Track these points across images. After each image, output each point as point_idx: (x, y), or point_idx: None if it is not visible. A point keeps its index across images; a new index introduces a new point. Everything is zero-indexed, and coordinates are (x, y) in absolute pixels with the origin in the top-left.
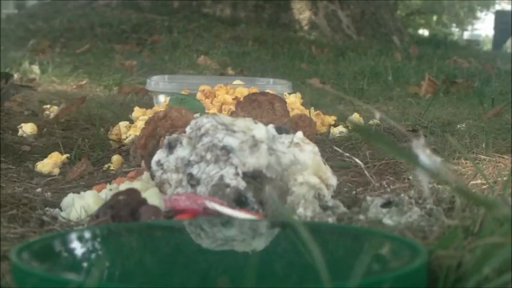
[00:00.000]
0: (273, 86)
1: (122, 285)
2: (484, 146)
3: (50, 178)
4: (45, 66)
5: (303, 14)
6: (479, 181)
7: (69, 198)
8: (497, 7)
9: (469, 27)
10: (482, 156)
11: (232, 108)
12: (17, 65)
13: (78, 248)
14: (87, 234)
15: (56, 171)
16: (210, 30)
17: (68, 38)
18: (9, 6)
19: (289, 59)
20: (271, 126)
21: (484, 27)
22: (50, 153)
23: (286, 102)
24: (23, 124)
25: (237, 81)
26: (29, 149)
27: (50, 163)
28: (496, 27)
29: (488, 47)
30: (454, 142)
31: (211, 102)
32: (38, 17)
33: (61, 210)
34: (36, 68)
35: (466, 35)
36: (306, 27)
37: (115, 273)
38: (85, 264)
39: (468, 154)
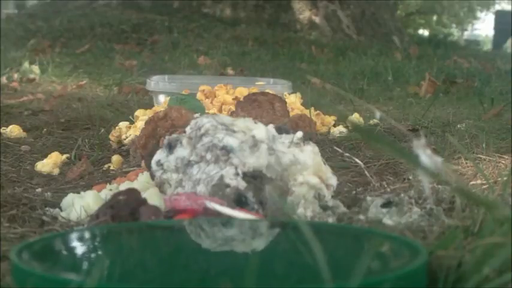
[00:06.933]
0: (273, 86)
1: (122, 285)
2: (484, 146)
3: (50, 178)
4: (45, 66)
5: (303, 14)
6: (479, 181)
7: (69, 198)
8: (497, 7)
9: (469, 27)
10: (482, 156)
11: (232, 108)
12: (17, 64)
13: (78, 248)
14: (87, 234)
15: (56, 171)
16: (210, 30)
17: (68, 38)
18: (9, 6)
19: (289, 59)
20: (271, 126)
21: (484, 27)
22: (50, 153)
23: (286, 102)
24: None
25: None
26: (29, 149)
27: (50, 163)
28: (496, 27)
29: (488, 47)
30: (454, 142)
31: (211, 102)
32: (38, 17)
33: (61, 210)
34: (36, 68)
35: (466, 35)
36: (306, 27)
37: (115, 273)
38: (85, 264)
39: (468, 154)
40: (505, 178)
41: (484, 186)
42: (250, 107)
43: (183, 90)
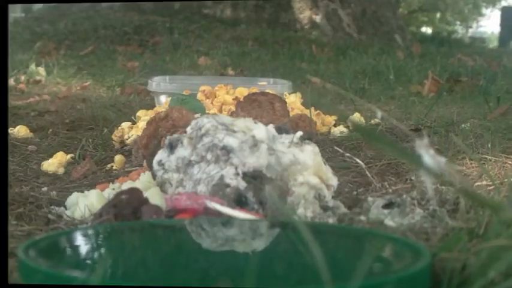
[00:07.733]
0: (273, 86)
1: (124, 283)
2: (489, 146)
3: (55, 177)
4: (51, 68)
5: (303, 13)
6: (484, 182)
7: (74, 197)
8: (504, 3)
9: (474, 25)
10: (487, 157)
11: (233, 108)
12: (24, 67)
13: (82, 245)
14: (90, 233)
15: (61, 170)
16: (210, 30)
17: (72, 40)
18: (17, 10)
19: (289, 59)
20: (271, 126)
21: (489, 24)
22: (55, 153)
23: (286, 102)
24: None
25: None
26: (36, 148)
27: (55, 163)
28: (502, 24)
29: (494, 44)
30: (458, 142)
31: (212, 103)
32: (44, 20)
33: (66, 209)
34: (42, 70)
35: (471, 32)
36: (306, 27)
37: (118, 271)
38: (89, 262)
39: (473, 154)
40: (511, 179)
41: (490, 188)
42: (250, 107)
43: (183, 90)
